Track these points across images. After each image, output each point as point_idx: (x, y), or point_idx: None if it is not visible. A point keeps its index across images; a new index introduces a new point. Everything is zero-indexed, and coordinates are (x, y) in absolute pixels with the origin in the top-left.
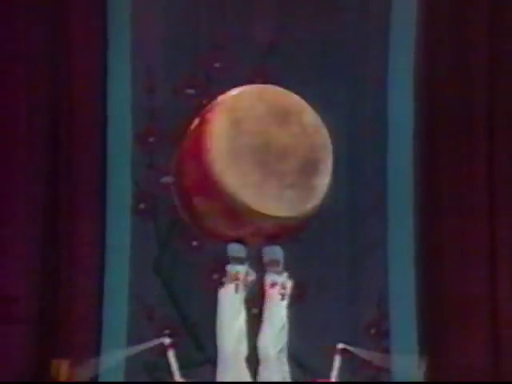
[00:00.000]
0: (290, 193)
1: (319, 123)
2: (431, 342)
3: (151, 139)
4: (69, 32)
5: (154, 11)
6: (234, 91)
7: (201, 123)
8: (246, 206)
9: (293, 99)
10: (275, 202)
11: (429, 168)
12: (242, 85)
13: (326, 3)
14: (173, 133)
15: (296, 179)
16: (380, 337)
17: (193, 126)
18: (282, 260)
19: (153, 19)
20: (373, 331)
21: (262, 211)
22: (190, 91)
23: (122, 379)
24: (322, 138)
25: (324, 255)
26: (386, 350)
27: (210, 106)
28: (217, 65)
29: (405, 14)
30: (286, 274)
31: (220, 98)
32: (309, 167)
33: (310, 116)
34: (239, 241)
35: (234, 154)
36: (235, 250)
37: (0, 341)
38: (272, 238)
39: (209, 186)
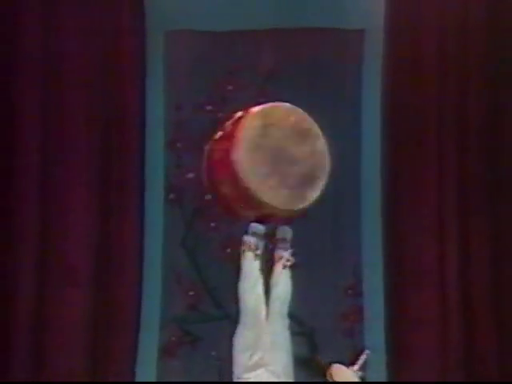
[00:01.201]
0: (287, 192)
1: (326, 151)
2: (394, 297)
3: (178, 145)
4: (121, 65)
5: (181, 49)
6: (272, 103)
7: (235, 122)
8: (254, 194)
9: (314, 126)
10: (274, 195)
11: (391, 169)
12: (249, 103)
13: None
14: (195, 139)
15: (295, 184)
16: (355, 296)
17: (227, 126)
18: (290, 238)
19: (180, 53)
20: (350, 292)
21: (266, 201)
22: (209, 108)
23: (157, 331)
24: (325, 162)
25: (313, 234)
26: (360, 307)
27: (244, 111)
28: (230, 87)
29: (373, 64)
30: (290, 251)
31: (257, 107)
32: (307, 180)
33: (321, 143)
34: (259, 221)
35: (257, 147)
36: (255, 227)
37: (64, 301)
38: (280, 221)
39: (233, 175)
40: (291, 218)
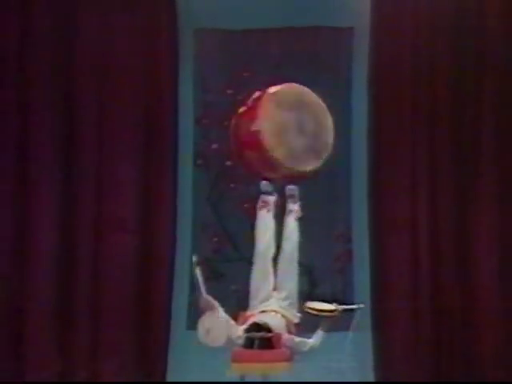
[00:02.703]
0: (294, 155)
1: (330, 129)
2: (376, 242)
3: (205, 121)
4: (158, 57)
5: (207, 43)
6: (286, 84)
7: (256, 99)
8: (277, 159)
9: (322, 107)
10: (285, 156)
11: (376, 140)
12: (261, 86)
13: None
14: (218, 117)
15: (301, 151)
16: (346, 242)
17: (247, 104)
18: (297, 194)
19: (206, 47)
20: (341, 238)
21: (278, 159)
22: (229, 91)
23: (188, 270)
24: (327, 139)
25: (312, 192)
26: (350, 251)
27: (262, 91)
28: (246, 74)
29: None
30: (298, 203)
31: (273, 88)
32: (310, 150)
33: (326, 121)
34: (268, 179)
35: (275, 120)
36: (266, 185)
37: (114, 243)
38: (289, 181)
39: (256, 143)
40: (295, 179)
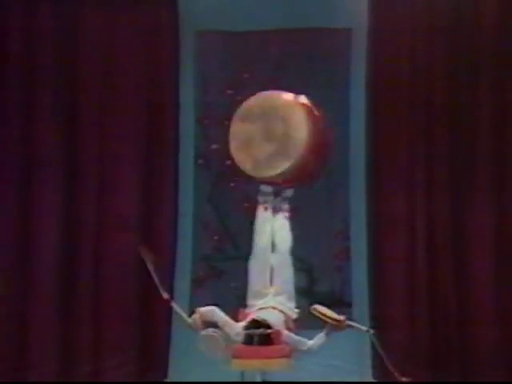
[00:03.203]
0: (263, 163)
1: (302, 131)
2: (374, 240)
3: (205, 121)
4: (160, 58)
5: (208, 45)
6: (255, 96)
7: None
8: (245, 171)
9: (292, 109)
10: (260, 168)
11: (373, 139)
12: (261, 87)
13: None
14: (219, 117)
15: (273, 158)
16: (344, 240)
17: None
18: (290, 197)
19: (207, 49)
20: (340, 236)
21: (252, 174)
22: (230, 92)
23: (189, 267)
24: (296, 143)
25: (312, 191)
26: (348, 248)
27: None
28: (246, 75)
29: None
30: (287, 206)
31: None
32: (281, 153)
33: (299, 132)
34: (268, 183)
35: (240, 130)
36: (265, 188)
37: (115, 241)
38: (276, 185)
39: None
40: (291, 185)
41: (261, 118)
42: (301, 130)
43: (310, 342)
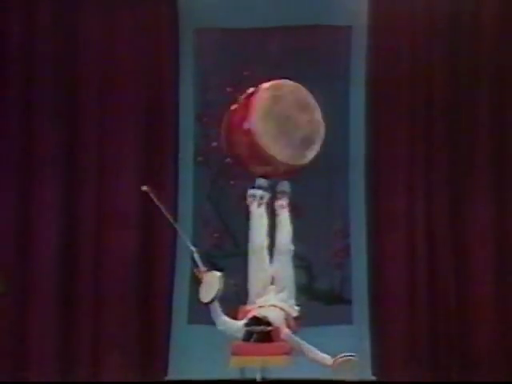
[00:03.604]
0: (291, 151)
1: (321, 120)
2: (374, 238)
3: (205, 119)
4: (160, 56)
5: (207, 43)
6: (279, 80)
7: (248, 96)
8: (268, 153)
9: (312, 100)
10: (283, 152)
11: (373, 135)
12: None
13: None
14: (218, 115)
15: (297, 145)
16: (344, 237)
17: (240, 99)
18: (288, 190)
19: (207, 47)
20: (340, 234)
21: (276, 157)
22: (229, 89)
23: (189, 264)
24: (321, 130)
25: (311, 189)
26: (348, 246)
27: (255, 88)
28: (246, 73)
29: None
30: (287, 201)
31: (266, 83)
32: (306, 142)
33: (318, 114)
34: (263, 176)
35: (269, 117)
36: (261, 181)
37: (115, 238)
38: (281, 176)
39: (248, 137)
40: (289, 175)
41: (290, 103)
42: (318, 116)
43: (307, 347)
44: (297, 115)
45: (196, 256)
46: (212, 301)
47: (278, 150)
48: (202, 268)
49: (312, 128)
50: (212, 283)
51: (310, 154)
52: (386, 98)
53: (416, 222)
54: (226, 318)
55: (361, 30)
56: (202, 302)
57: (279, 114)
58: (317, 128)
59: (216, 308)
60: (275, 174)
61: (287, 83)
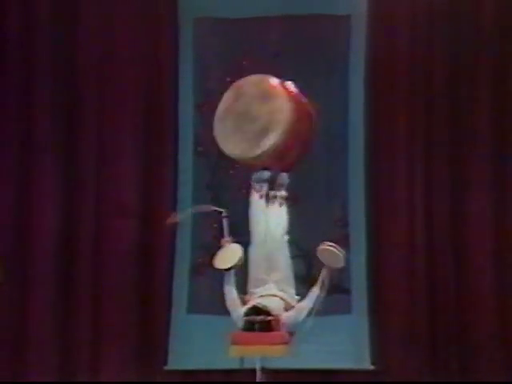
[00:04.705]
0: (246, 144)
1: (285, 107)
2: (373, 227)
3: (204, 108)
4: (160, 45)
5: (207, 32)
6: (248, 76)
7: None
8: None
9: (279, 89)
10: (237, 148)
11: (372, 124)
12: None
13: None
14: (218, 104)
15: (252, 137)
16: (343, 227)
17: None
18: (285, 183)
19: (206, 36)
20: (339, 223)
21: (229, 154)
22: (228, 79)
23: (189, 254)
24: (280, 117)
25: (311, 178)
26: (347, 235)
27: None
28: (245, 63)
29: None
30: (283, 193)
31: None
32: (264, 133)
33: (282, 101)
34: (265, 168)
35: (228, 115)
36: (260, 173)
37: (115, 227)
38: (273, 165)
39: None
40: (287, 167)
41: (241, 104)
42: (284, 108)
43: (304, 303)
44: (257, 107)
45: (225, 223)
46: (231, 268)
47: (232, 147)
48: (227, 237)
49: (271, 117)
50: (235, 251)
51: (265, 144)
52: (386, 86)
53: (416, 211)
54: (235, 291)
55: (360, 19)
56: (219, 269)
57: (237, 110)
58: (276, 116)
59: (231, 276)
60: (264, 165)
61: (252, 77)
